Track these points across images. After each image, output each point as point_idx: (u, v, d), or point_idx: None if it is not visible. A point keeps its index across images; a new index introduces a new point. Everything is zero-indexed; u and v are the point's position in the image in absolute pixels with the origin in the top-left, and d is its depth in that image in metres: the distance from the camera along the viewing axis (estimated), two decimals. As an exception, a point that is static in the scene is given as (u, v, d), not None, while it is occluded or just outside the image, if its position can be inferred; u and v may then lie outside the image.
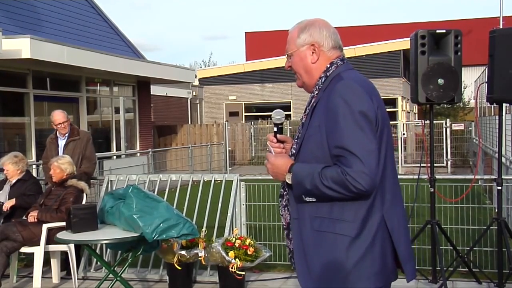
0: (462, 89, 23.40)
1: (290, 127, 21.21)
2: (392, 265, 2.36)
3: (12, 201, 6.08)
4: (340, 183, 2.21)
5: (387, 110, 2.84)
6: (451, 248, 5.63)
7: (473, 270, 5.55)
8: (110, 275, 5.06)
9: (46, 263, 6.01)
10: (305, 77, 2.50)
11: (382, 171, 2.30)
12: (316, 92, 2.44)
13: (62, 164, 5.95)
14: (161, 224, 4.77)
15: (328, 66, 2.45)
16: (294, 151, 2.44)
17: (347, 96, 2.27)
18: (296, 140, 2.47)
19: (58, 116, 6.71)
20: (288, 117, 26.19)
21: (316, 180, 2.25)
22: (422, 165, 5.54)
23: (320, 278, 2.32)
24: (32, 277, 5.81)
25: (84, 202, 5.97)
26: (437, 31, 5.27)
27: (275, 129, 2.58)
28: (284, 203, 2.50)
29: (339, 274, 2.27)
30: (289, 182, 2.37)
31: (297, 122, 20.05)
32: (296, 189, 2.34)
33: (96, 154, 7.42)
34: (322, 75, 2.45)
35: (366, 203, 2.27)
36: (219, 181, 6.45)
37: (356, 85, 2.31)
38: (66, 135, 6.73)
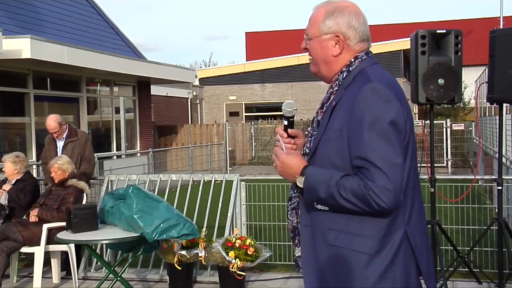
0: (463, 89, 23.36)
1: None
2: (417, 284, 2.16)
3: (8, 186, 6.07)
4: (360, 197, 1.99)
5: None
6: (452, 248, 5.62)
7: (474, 270, 5.55)
8: (111, 275, 5.06)
9: (47, 263, 6.01)
10: (323, 68, 2.24)
11: (406, 183, 2.09)
12: (336, 88, 2.19)
13: (63, 165, 5.95)
14: (161, 224, 4.77)
15: (352, 60, 2.19)
16: (307, 151, 2.21)
17: (374, 102, 2.02)
18: (309, 139, 2.23)
19: (50, 126, 6.62)
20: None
21: (333, 189, 2.02)
22: (422, 165, 5.53)
23: None
24: (32, 277, 5.81)
25: (84, 202, 5.97)
26: (438, 31, 5.26)
27: (286, 122, 2.30)
28: (293, 206, 2.29)
29: None
30: (300, 186, 2.14)
31: (298, 123, 20.08)
32: (308, 195, 2.12)
33: (97, 154, 7.43)
34: (344, 69, 2.19)
35: (388, 218, 2.05)
36: (219, 181, 6.45)
37: (385, 89, 2.05)
38: (64, 136, 6.72)
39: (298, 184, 2.16)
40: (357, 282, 2.06)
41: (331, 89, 2.23)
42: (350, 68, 2.18)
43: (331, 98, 2.19)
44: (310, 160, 2.18)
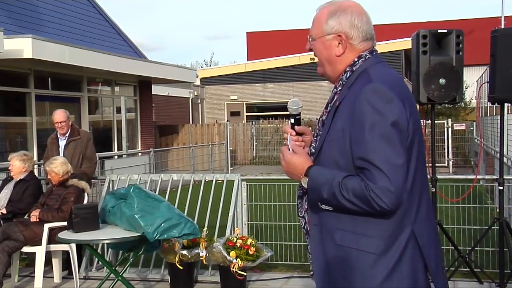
0: (464, 89, 23.34)
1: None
2: (425, 284, 2.14)
3: (3, 211, 6.06)
4: (362, 198, 1.99)
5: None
6: (453, 248, 5.63)
7: (475, 270, 5.55)
8: (112, 275, 5.06)
9: (48, 262, 6.01)
10: (328, 68, 2.26)
11: (412, 183, 2.08)
12: (340, 88, 2.20)
13: (55, 168, 5.91)
14: (162, 224, 4.77)
15: (356, 59, 2.19)
16: (313, 150, 2.23)
17: (376, 102, 2.02)
18: (315, 139, 2.24)
19: (58, 115, 6.73)
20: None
21: (335, 190, 2.03)
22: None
23: None
24: (33, 276, 5.81)
25: (85, 201, 5.98)
26: (439, 31, 5.26)
27: (292, 120, 2.31)
28: (306, 207, 2.29)
29: None
30: (305, 186, 2.17)
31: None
32: (312, 195, 2.15)
33: (98, 154, 7.44)
34: (348, 69, 2.20)
35: (394, 217, 2.05)
36: (220, 181, 6.45)
37: (385, 89, 2.04)
38: (67, 135, 6.73)
39: (302, 184, 2.19)
40: (364, 282, 2.07)
41: (335, 89, 2.24)
42: (354, 68, 2.19)
43: (335, 98, 2.21)
44: (316, 159, 2.20)
